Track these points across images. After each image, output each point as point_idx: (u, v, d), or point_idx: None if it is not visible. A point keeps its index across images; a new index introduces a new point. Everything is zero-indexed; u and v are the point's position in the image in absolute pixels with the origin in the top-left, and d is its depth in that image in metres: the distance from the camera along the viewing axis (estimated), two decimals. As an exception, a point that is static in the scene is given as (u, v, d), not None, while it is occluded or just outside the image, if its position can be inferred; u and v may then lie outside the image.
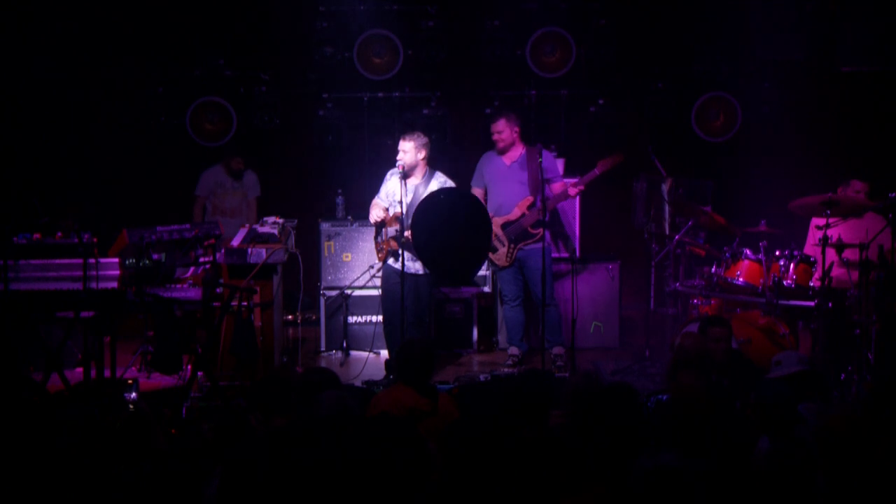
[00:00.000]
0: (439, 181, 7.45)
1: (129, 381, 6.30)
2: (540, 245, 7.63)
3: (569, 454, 3.89)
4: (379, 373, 7.64)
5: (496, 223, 7.77)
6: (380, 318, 7.87)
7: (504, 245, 7.80)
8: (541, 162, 7.41)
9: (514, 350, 8.01)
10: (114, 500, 3.85)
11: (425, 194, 7.35)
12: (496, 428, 3.86)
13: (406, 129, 7.58)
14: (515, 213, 7.73)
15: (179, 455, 4.53)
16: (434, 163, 7.71)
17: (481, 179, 8.00)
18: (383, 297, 7.64)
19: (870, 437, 4.20)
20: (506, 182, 7.82)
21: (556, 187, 7.74)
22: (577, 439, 4.11)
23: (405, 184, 7.29)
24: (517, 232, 7.73)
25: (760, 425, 4.52)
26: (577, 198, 8.18)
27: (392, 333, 7.46)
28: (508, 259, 7.81)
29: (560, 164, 8.27)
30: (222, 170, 8.87)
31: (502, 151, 7.86)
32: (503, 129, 7.79)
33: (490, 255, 7.90)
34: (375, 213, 7.46)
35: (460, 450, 3.78)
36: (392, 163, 7.46)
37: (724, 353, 6.11)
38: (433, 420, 5.01)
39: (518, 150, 7.83)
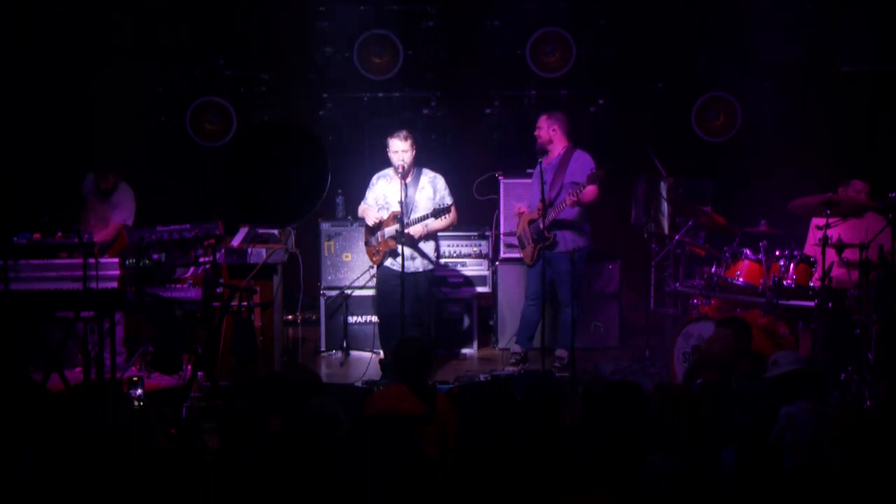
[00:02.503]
0: (428, 177, 7.50)
1: (135, 379, 6.30)
2: (565, 249, 7.62)
3: (574, 455, 3.89)
4: (379, 373, 7.64)
5: (525, 219, 7.82)
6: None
7: (529, 243, 7.82)
8: (539, 168, 7.41)
9: (516, 348, 8.04)
10: (117, 497, 3.85)
11: (418, 192, 7.37)
12: (502, 431, 3.86)
13: (396, 130, 7.52)
14: (535, 214, 7.73)
15: (182, 455, 4.54)
16: (434, 163, 7.73)
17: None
18: (380, 298, 7.62)
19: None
20: (537, 182, 7.83)
21: (587, 192, 7.62)
22: (583, 440, 4.11)
23: (405, 184, 7.30)
24: (537, 231, 7.72)
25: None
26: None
27: (389, 335, 7.44)
28: (533, 258, 7.82)
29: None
30: (92, 181, 7.96)
31: (542, 149, 7.85)
32: (541, 126, 7.85)
33: (521, 251, 7.96)
34: (374, 216, 7.44)
35: (466, 454, 3.78)
36: (388, 164, 7.46)
37: (727, 354, 6.08)
38: (430, 425, 4.93)
39: (556, 151, 7.84)
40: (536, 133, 7.87)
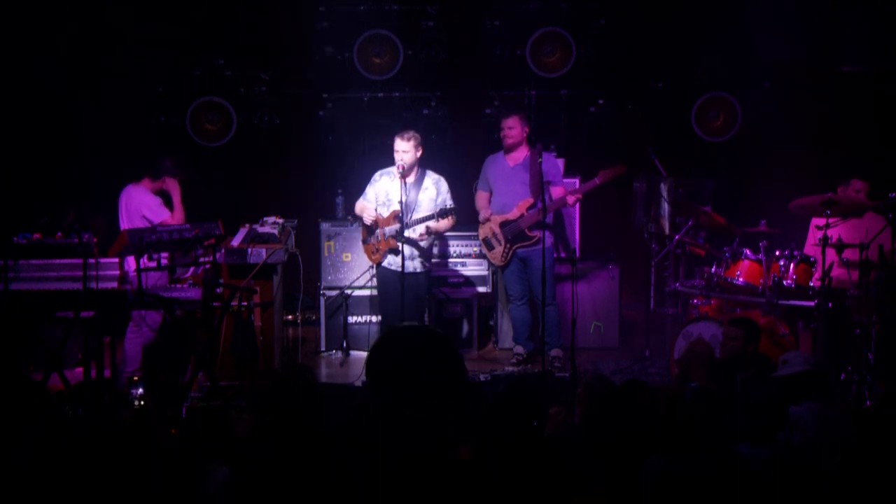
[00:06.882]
0: (432, 179, 7.49)
1: (135, 378, 6.30)
2: (545, 247, 7.62)
3: (572, 456, 3.88)
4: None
5: (495, 221, 7.80)
6: (380, 317, 7.88)
7: (500, 244, 7.80)
8: (541, 163, 7.42)
9: (519, 349, 8.04)
10: (117, 498, 3.84)
11: (421, 193, 7.38)
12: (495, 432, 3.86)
13: (403, 130, 7.53)
14: (514, 213, 7.73)
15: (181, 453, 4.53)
16: (434, 163, 7.71)
17: (486, 182, 8.00)
18: (382, 299, 7.62)
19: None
20: (509, 183, 7.81)
21: (557, 191, 7.70)
22: (583, 441, 4.10)
23: (405, 183, 7.30)
24: (514, 232, 7.73)
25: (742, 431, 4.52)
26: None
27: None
28: (504, 258, 7.82)
29: (560, 165, 8.27)
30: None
31: (509, 149, 7.84)
32: (514, 126, 7.79)
33: (486, 252, 7.94)
34: (372, 214, 7.42)
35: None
36: (389, 163, 7.47)
37: (709, 356, 6.05)
38: None
39: (523, 152, 7.83)
40: (508, 132, 7.78)
